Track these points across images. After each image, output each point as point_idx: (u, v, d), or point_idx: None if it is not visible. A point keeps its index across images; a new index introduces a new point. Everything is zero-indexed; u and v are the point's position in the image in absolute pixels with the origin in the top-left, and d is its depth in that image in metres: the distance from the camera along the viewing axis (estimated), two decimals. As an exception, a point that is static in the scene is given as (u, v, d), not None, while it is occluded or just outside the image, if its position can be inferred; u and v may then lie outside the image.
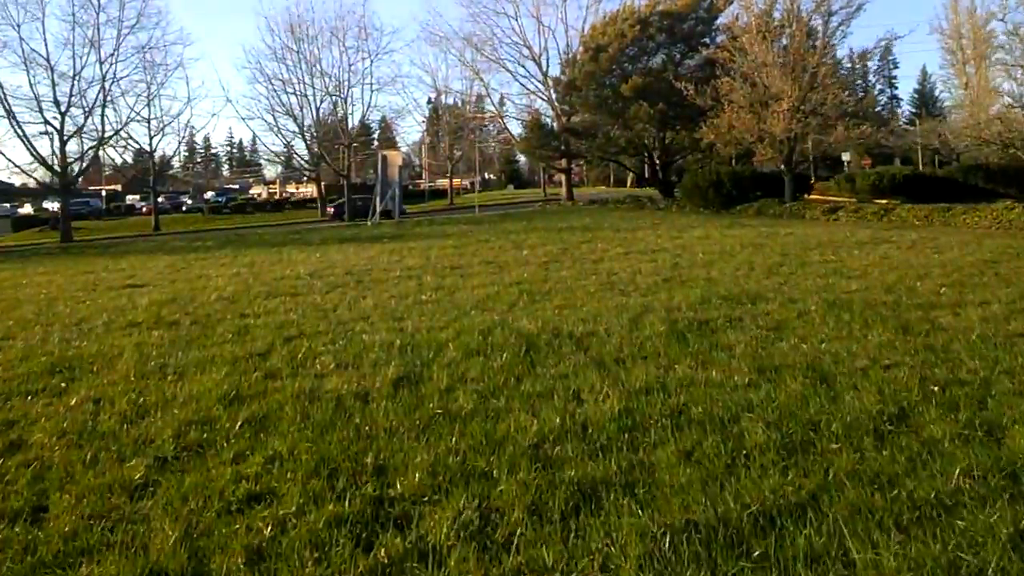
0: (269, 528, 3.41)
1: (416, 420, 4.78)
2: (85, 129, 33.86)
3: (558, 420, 4.63)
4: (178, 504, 3.70)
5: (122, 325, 8.70)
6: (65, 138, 32.53)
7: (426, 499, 3.65)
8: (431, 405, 5.05)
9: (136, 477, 4.04)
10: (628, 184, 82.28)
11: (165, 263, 17.27)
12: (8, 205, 70.81)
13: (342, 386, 5.56)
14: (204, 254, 19.47)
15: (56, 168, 32.30)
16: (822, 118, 25.53)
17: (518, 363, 6.07)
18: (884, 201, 27.14)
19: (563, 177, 46.16)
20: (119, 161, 49.82)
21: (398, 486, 3.79)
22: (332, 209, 43.86)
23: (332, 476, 3.96)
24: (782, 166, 26.83)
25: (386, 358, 6.38)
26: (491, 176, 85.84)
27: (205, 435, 4.67)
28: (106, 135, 35.12)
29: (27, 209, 64.49)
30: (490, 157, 77.24)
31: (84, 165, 35.28)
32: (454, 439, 4.39)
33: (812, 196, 31.61)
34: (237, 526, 3.45)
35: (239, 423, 4.85)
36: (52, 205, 40.98)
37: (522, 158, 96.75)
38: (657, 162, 36.84)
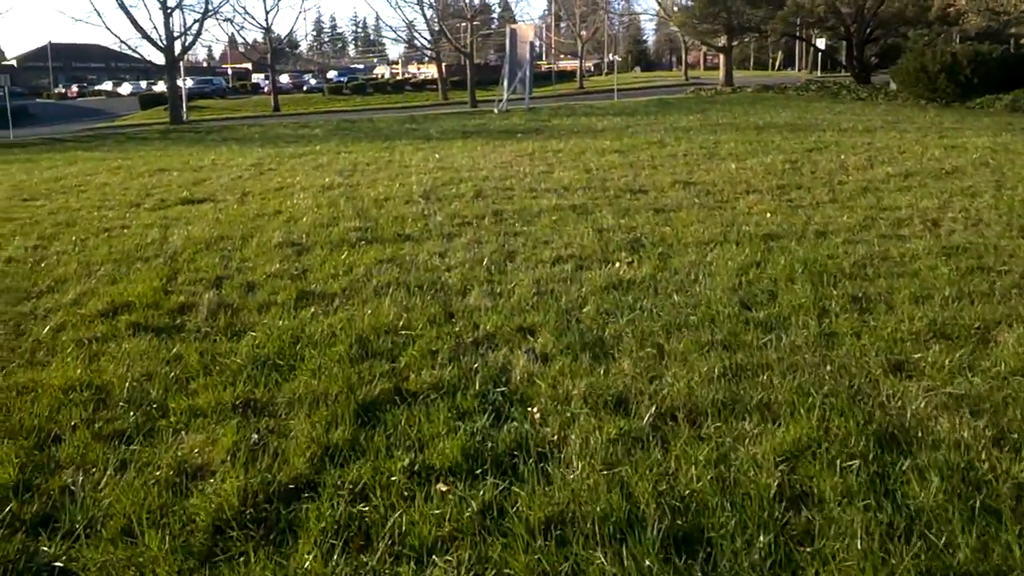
0: None
1: None
2: (188, 1, 30.58)
3: None
4: None
5: (95, 312, 4.92)
6: (168, 11, 29.32)
7: None
8: None
9: None
10: (775, 67, 71.55)
11: (253, 160, 13.71)
12: (144, 83, 70.92)
13: None
14: (303, 147, 15.80)
15: (160, 44, 29.30)
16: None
17: None
18: None
19: (720, 58, 39.00)
20: (239, 39, 47.12)
21: None
22: None
23: None
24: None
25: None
26: (617, 57, 77.91)
27: None
28: (211, 7, 31.71)
29: (161, 87, 63.88)
30: (614, 37, 69.62)
31: (189, 40, 32.19)
32: None
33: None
34: None
35: None
36: (181, 83, 38.57)
37: (650, 38, 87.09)
38: (854, 39, 29.29)
